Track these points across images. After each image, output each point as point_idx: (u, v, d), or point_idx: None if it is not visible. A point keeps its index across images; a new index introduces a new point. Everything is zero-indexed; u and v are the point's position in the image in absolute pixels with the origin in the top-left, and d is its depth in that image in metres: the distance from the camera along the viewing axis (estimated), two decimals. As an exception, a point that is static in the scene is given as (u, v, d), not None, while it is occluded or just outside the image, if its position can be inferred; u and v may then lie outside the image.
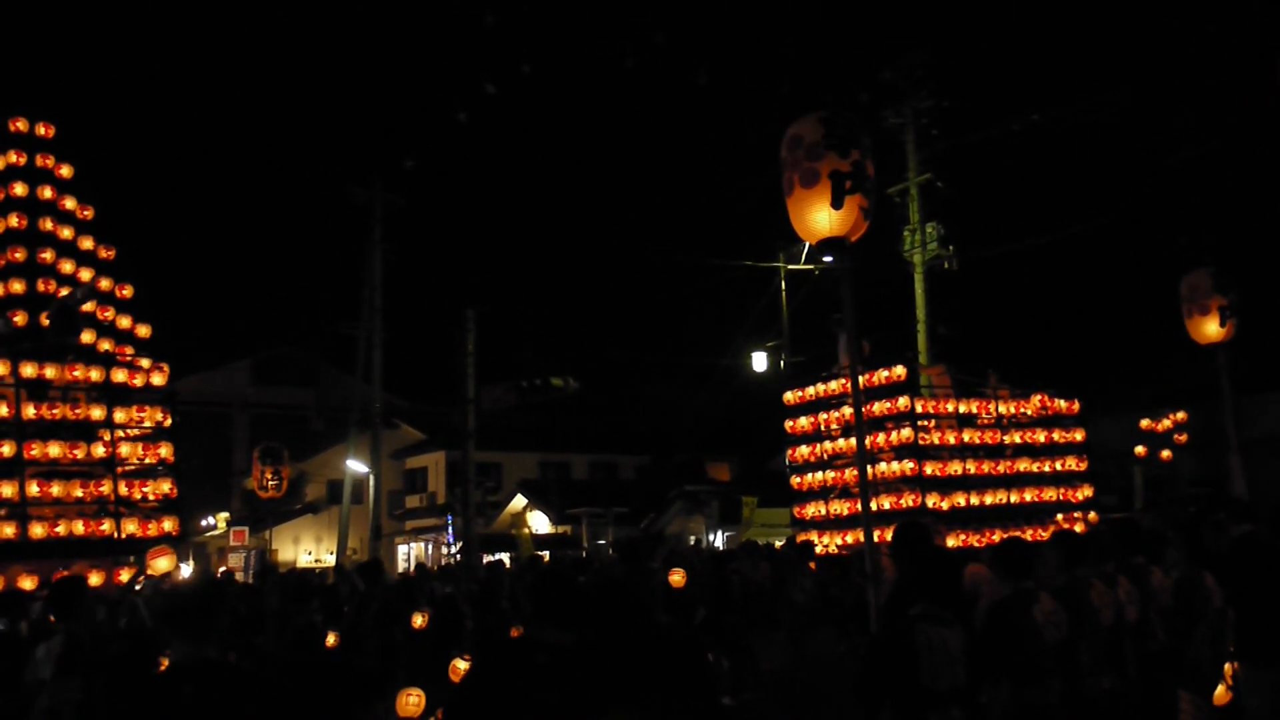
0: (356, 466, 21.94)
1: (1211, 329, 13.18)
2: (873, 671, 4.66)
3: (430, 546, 32.68)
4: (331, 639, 9.42)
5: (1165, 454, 17.89)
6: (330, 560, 27.32)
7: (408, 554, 33.73)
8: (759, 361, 23.01)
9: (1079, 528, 10.83)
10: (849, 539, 10.75)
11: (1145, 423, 17.89)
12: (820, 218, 6.15)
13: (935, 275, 19.61)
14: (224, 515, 32.96)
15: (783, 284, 21.90)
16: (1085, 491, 11.77)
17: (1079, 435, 11.99)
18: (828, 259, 19.45)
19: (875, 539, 6.49)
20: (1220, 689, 5.95)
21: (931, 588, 4.61)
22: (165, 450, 10.71)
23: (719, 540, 25.32)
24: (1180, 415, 18.01)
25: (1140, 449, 18.03)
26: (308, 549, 34.09)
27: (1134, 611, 5.79)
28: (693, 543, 23.05)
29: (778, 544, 13.38)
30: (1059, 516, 11.42)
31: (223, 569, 21.13)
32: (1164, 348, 17.91)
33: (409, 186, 21.17)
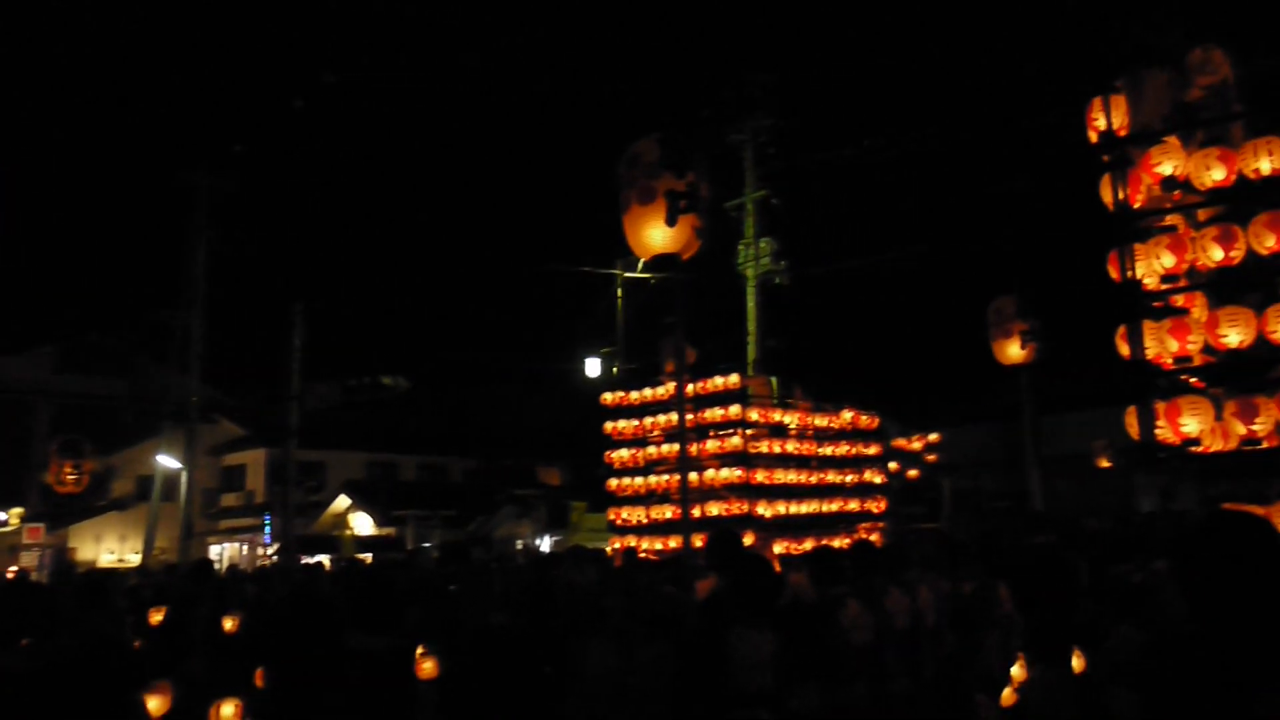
0: (169, 462, 20.89)
1: (1014, 351, 14.11)
2: (685, 674, 4.78)
3: (246, 547, 31.48)
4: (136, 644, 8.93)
5: (912, 473, 18.90)
6: (135, 560, 25.91)
7: (221, 555, 32.35)
8: (592, 367, 23.12)
9: (874, 537, 11.29)
10: (671, 544, 10.93)
11: (898, 441, 18.86)
12: (655, 234, 6.28)
13: (767, 289, 20.18)
14: (18, 511, 30.79)
15: (619, 291, 22.09)
16: (884, 502, 12.31)
17: (876, 449, 12.55)
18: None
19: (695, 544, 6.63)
20: (1007, 691, 6.34)
21: (744, 593, 4.75)
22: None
23: (545, 544, 25.32)
24: (933, 436, 19.07)
25: (893, 464, 19.01)
26: (111, 548, 32.24)
27: (932, 617, 6.12)
28: (519, 547, 22.97)
29: (608, 549, 13.43)
30: (858, 526, 11.85)
31: (14, 568, 19.74)
32: (974, 368, 18.96)
33: (240, 173, 20.26)
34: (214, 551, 32.67)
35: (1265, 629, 2.08)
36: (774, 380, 13.91)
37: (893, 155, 19.51)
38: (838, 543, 10.85)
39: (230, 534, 33.06)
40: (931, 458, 19.16)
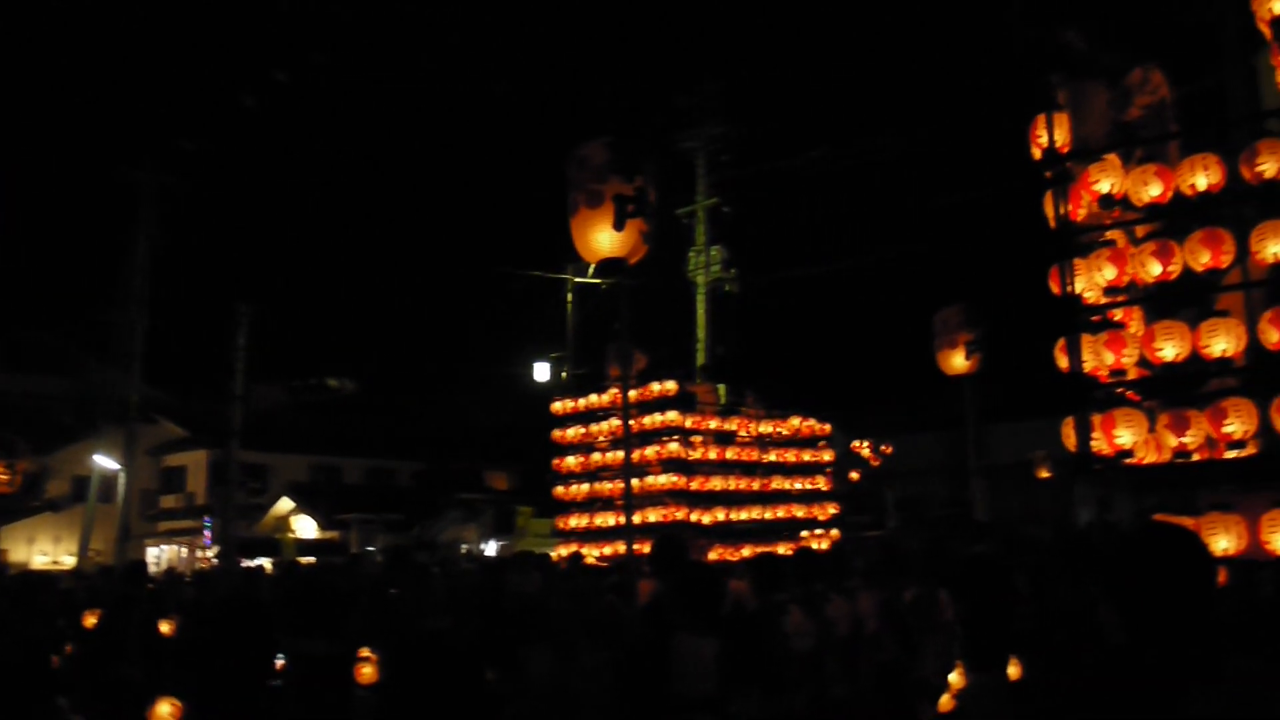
0: (106, 462, 20.48)
1: (959, 361, 14.28)
2: (628, 680, 4.77)
3: (185, 550, 30.94)
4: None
5: (853, 474, 19.18)
6: (70, 562, 25.34)
7: (159, 557, 31.76)
8: (541, 372, 23.09)
9: (823, 544, 11.34)
10: (616, 549, 10.93)
11: (855, 444, 19.16)
12: (602, 238, 6.28)
13: (717, 297, 20.29)
14: (-55, 511, 30.01)
15: (569, 296, 22.07)
16: (831, 509, 12.37)
17: (828, 456, 12.60)
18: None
19: (637, 551, 6.64)
20: (945, 697, 6.42)
21: (688, 599, 4.76)
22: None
23: (491, 549, 25.19)
24: (885, 448, 19.41)
25: (854, 474, 19.30)
26: (44, 550, 31.51)
27: (873, 624, 6.18)
28: (464, 551, 22.84)
29: (553, 555, 13.36)
30: (804, 533, 11.89)
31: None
32: (921, 377, 19.22)
33: (187, 170, 19.94)
34: (152, 554, 32.06)
35: (1189, 636, 2.14)
36: (721, 387, 13.94)
37: (844, 166, 19.74)
38: (779, 550, 10.90)
39: (169, 536, 32.49)
40: (876, 462, 19.39)
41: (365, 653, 4.81)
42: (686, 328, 20.43)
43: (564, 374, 22.56)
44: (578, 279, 22.35)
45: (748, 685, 5.14)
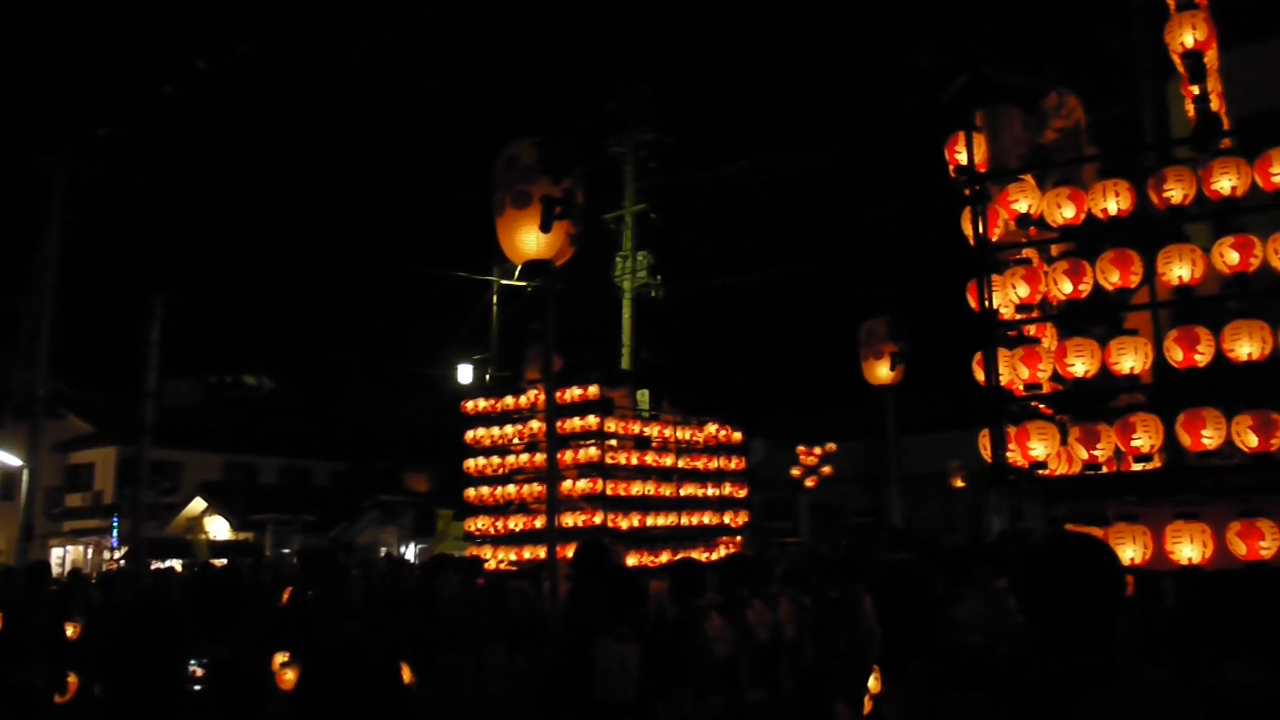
0: (8, 459, 19.76)
1: (884, 372, 14.53)
2: (552, 685, 4.77)
3: (91, 551, 29.97)
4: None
5: (810, 481, 19.47)
6: (-32, 562, 24.38)
7: (63, 558, 30.74)
8: (465, 373, 22.93)
9: (730, 550, 11.32)
10: (525, 554, 10.64)
11: (801, 448, 19.41)
12: (528, 239, 6.27)
13: (642, 302, 20.38)
14: None
15: (494, 298, 21.98)
16: (743, 516, 12.39)
17: (740, 464, 12.61)
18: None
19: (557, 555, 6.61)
20: (866, 700, 6.54)
21: (611, 605, 4.78)
22: None
23: (411, 552, 24.91)
24: (831, 446, 19.71)
25: (810, 481, 19.55)
26: (-60, 549, 30.28)
27: (792, 630, 6.26)
28: (383, 554, 22.54)
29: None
30: (719, 539, 11.87)
31: None
32: (845, 386, 19.51)
33: (103, 159, 19.35)
34: (56, 554, 31.01)
35: (1091, 643, 2.22)
36: (644, 393, 13.93)
37: (775, 177, 19.98)
38: (697, 555, 10.90)
39: (74, 536, 31.44)
40: (827, 470, 19.53)
41: (284, 658, 4.73)
42: (612, 332, 20.50)
43: (488, 376, 22.43)
44: (503, 281, 22.27)
45: (669, 690, 5.18)
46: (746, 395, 26.93)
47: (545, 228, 6.22)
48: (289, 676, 4.12)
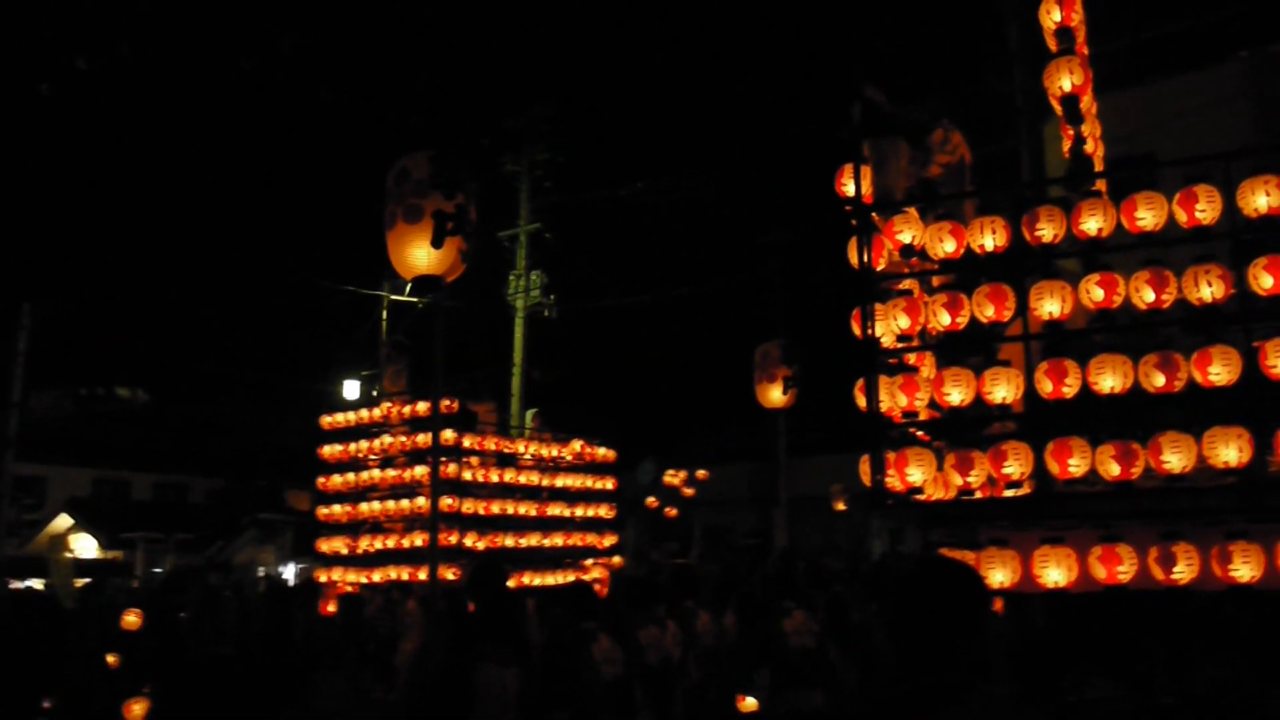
0: None
1: (776, 395, 14.77)
2: (430, 710, 4.68)
3: (-56, 569, 28.28)
4: None
5: (670, 510, 19.74)
6: None
7: (-88, 577, 28.95)
8: (351, 389, 22.46)
9: (600, 573, 11.16)
10: (375, 576, 10.18)
11: (669, 474, 19.60)
12: (419, 255, 6.18)
13: (535, 321, 20.30)
14: None
15: (384, 313, 21.61)
16: (611, 539, 12.17)
17: (611, 484, 12.41)
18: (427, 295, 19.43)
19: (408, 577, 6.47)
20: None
21: (494, 627, 4.72)
22: None
23: (290, 572, 24.21)
24: (700, 473, 20.00)
25: (670, 510, 19.80)
26: None
27: (679, 651, 6.29)
28: (261, 574, 21.86)
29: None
30: (587, 561, 11.56)
31: None
32: (736, 409, 19.72)
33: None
34: (-97, 573, 29.22)
35: (950, 663, 2.28)
36: (531, 411, 13.80)
37: (669, 199, 20.14)
38: (559, 578, 10.56)
39: (-74, 553, 29.67)
40: (689, 492, 19.73)
41: (140, 706, 4.52)
42: (503, 351, 20.34)
43: (375, 391, 22.00)
44: (393, 296, 21.90)
45: (554, 713, 5.13)
46: (640, 416, 27.03)
47: (437, 243, 6.14)
48: (137, 710, 3.95)
